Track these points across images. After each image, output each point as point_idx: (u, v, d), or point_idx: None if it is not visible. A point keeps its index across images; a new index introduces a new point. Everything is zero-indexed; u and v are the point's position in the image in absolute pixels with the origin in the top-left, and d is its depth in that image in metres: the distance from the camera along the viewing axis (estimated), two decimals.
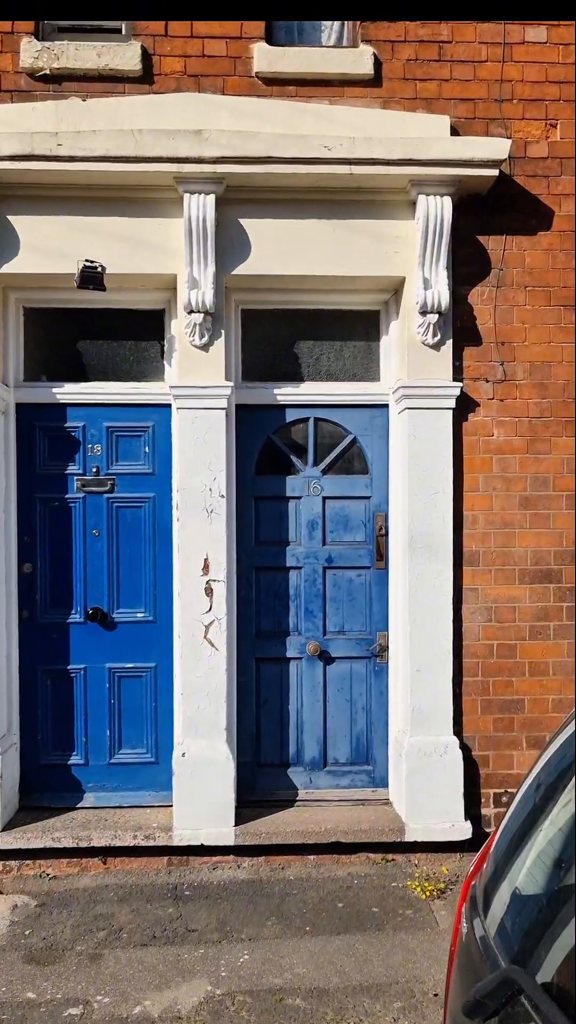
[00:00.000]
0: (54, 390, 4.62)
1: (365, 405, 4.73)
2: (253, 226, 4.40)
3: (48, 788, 4.64)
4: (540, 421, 4.54)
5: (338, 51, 4.49)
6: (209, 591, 4.40)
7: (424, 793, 4.38)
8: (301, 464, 4.74)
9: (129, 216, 4.37)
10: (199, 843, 4.34)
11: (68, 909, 4.08)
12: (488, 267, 4.53)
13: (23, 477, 4.62)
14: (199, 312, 4.32)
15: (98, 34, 4.51)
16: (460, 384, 4.45)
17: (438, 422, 4.45)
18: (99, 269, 4.29)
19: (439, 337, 4.43)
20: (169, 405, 4.57)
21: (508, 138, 4.44)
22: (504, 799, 4.54)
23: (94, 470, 4.66)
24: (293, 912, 4.02)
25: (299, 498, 4.72)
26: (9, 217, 4.33)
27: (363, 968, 3.56)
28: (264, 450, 4.73)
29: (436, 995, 3.38)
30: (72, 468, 4.66)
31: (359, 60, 4.45)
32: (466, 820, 4.41)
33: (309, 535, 4.72)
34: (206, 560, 4.39)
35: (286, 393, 4.68)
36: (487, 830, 4.53)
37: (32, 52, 4.36)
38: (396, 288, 4.59)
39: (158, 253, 4.39)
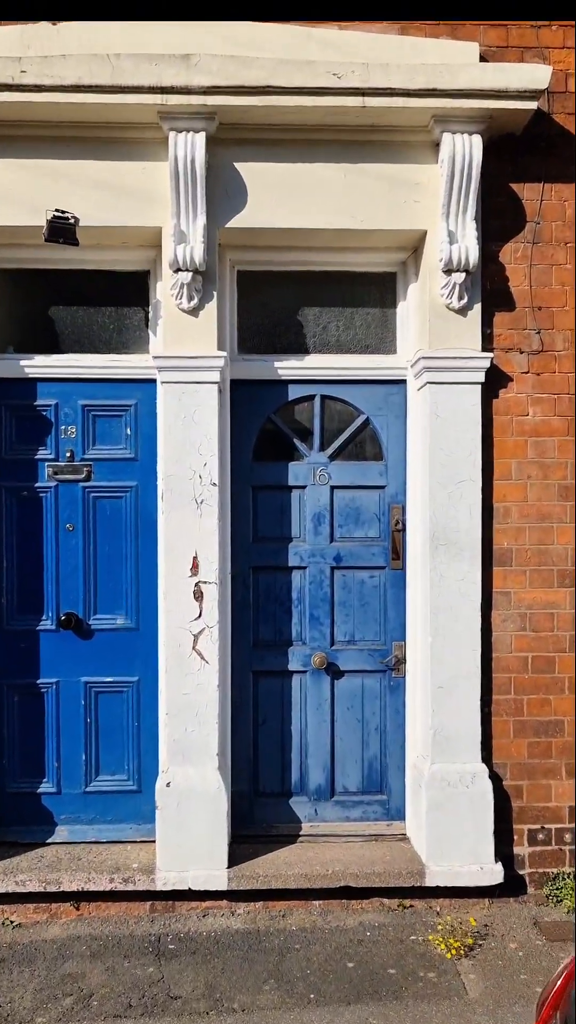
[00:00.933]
0: (22, 363, 4.02)
1: (379, 381, 4.11)
2: (250, 171, 3.78)
3: (15, 820, 4.04)
4: None
5: None
6: (199, 594, 3.79)
7: (448, 829, 3.77)
8: (306, 449, 4.12)
9: (107, 160, 3.77)
10: (186, 887, 3.73)
11: (32, 967, 3.47)
12: (523, 220, 3.91)
13: None
14: (187, 270, 3.71)
15: None
16: (490, 355, 3.83)
17: (464, 399, 3.83)
18: (71, 220, 3.69)
19: (466, 300, 3.80)
20: (154, 380, 3.96)
21: (548, 66, 3.81)
22: (540, 837, 3.92)
23: (68, 455, 4.05)
24: (295, 973, 3.40)
25: (303, 488, 4.11)
26: None
27: None
28: (263, 432, 4.11)
29: None
30: (43, 453, 4.06)
31: None
32: (496, 862, 3.79)
33: (315, 530, 4.11)
34: (195, 558, 3.78)
35: (289, 367, 4.07)
36: (520, 873, 3.91)
37: None
38: (416, 245, 3.97)
39: (141, 203, 3.78)
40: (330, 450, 4.12)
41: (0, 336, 4.10)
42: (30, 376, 4.02)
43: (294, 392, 4.10)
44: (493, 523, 3.91)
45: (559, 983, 1.54)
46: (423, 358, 3.82)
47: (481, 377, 3.82)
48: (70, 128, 3.71)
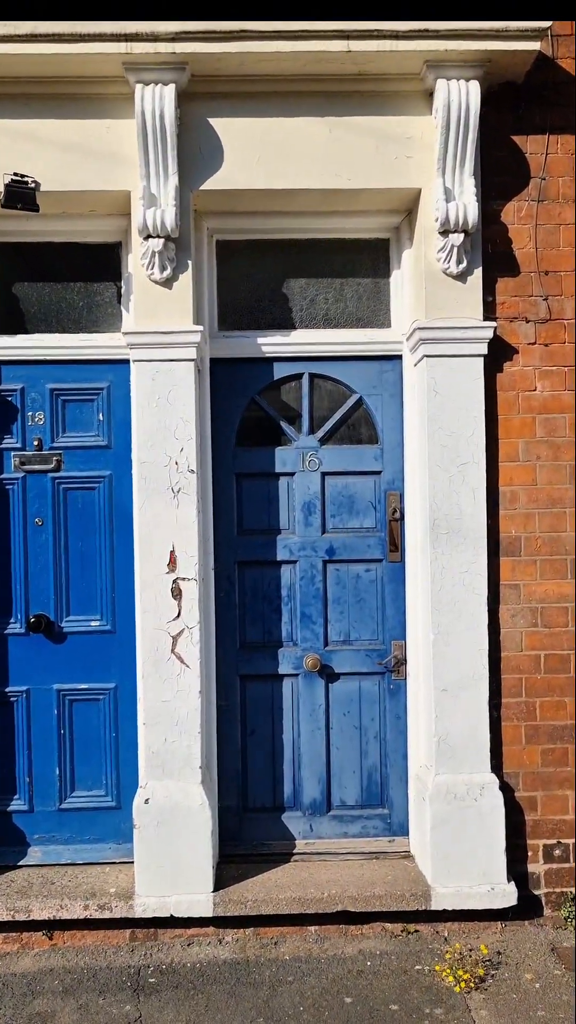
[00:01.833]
0: None
1: (373, 356, 3.77)
2: (226, 127, 3.45)
3: None
4: None
5: None
6: (177, 592, 3.46)
7: (455, 847, 3.42)
8: (294, 432, 3.79)
9: (70, 119, 3.45)
10: (168, 914, 3.40)
11: None
12: (527, 176, 3.56)
13: None
14: (158, 236, 3.38)
15: None
16: (493, 324, 3.48)
17: (466, 373, 3.49)
18: (30, 184, 3.37)
19: (465, 264, 3.46)
20: (127, 361, 3.63)
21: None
22: (557, 852, 3.57)
23: (36, 443, 3.73)
24: (287, 1010, 3.06)
25: (292, 475, 3.78)
26: None
27: None
28: (247, 415, 3.78)
29: None
30: (8, 441, 3.74)
31: None
32: (509, 882, 3.44)
33: (305, 521, 3.77)
34: (172, 553, 3.45)
35: (273, 344, 3.73)
36: (535, 893, 3.56)
37: None
38: (410, 206, 3.63)
39: (108, 164, 3.46)
40: (320, 433, 3.78)
41: None
42: None
43: (280, 371, 3.77)
44: (499, 509, 3.56)
45: None
46: (419, 328, 3.47)
47: (483, 349, 3.48)
48: (29, 84, 3.40)
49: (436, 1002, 3.09)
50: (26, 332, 3.77)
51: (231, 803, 3.75)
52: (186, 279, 3.46)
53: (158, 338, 3.43)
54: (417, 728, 3.69)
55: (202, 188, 3.46)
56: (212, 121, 3.45)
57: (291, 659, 3.77)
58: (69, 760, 3.74)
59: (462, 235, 3.41)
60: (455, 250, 3.43)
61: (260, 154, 3.46)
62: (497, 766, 3.54)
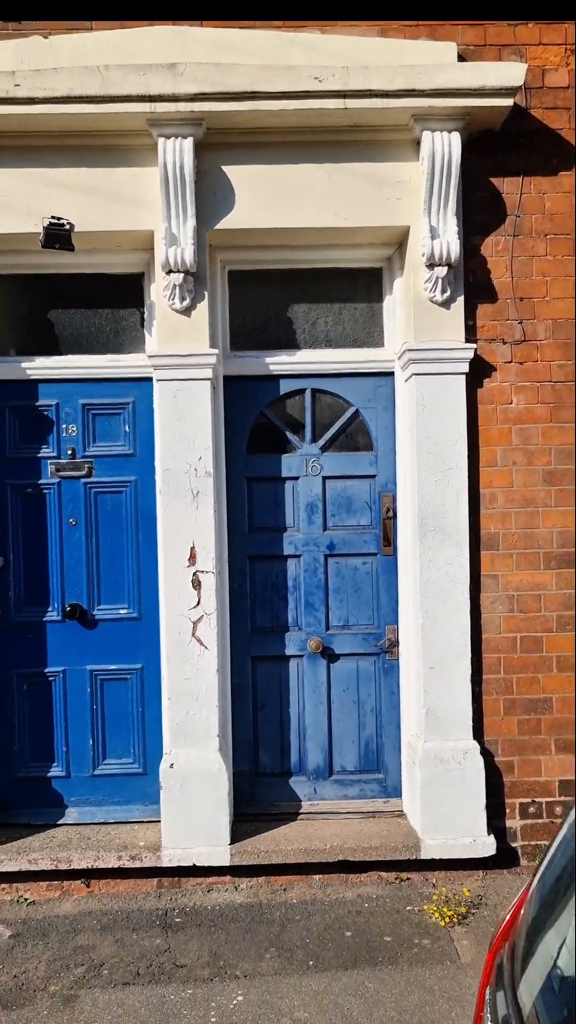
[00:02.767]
0: (23, 365, 4.18)
1: (368, 373, 4.24)
2: (238, 173, 3.92)
3: (26, 803, 4.22)
4: (564, 385, 4.04)
5: None
6: (197, 583, 3.94)
7: (441, 804, 3.91)
8: (298, 441, 4.27)
9: (100, 167, 3.91)
10: (191, 863, 3.90)
11: (45, 940, 3.65)
12: (503, 213, 4.02)
13: None
14: (178, 272, 3.85)
15: None
16: (474, 345, 3.95)
17: (449, 389, 3.96)
18: (66, 226, 3.84)
19: (448, 293, 3.93)
20: (150, 379, 4.11)
21: (523, 63, 3.92)
22: (531, 810, 4.06)
23: (69, 453, 4.21)
24: (295, 942, 3.56)
25: (296, 479, 4.25)
26: None
27: (373, 1012, 3.10)
28: (256, 426, 4.26)
29: None
30: (45, 451, 4.22)
31: None
32: (489, 834, 3.94)
33: (308, 519, 4.25)
34: (192, 549, 3.94)
35: (279, 362, 4.21)
36: (513, 845, 4.05)
37: None
38: (400, 240, 4.09)
39: (133, 207, 3.92)
40: (321, 442, 4.26)
41: (1, 339, 4.26)
42: (31, 377, 4.18)
43: (285, 386, 4.24)
44: (480, 508, 4.04)
45: (508, 916, 1.68)
46: (408, 350, 3.95)
47: (465, 367, 3.95)
48: (64, 137, 3.86)
49: (424, 934, 3.59)
50: (60, 354, 4.24)
51: (245, 768, 4.24)
52: (203, 308, 3.94)
53: (178, 360, 3.90)
54: (408, 702, 4.17)
55: (217, 227, 3.93)
56: (225, 168, 3.91)
57: (296, 642, 4.25)
58: (101, 732, 4.23)
59: (446, 268, 3.88)
60: (440, 281, 3.89)
61: (268, 197, 3.92)
62: (479, 734, 4.03)
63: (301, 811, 4.23)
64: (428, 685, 3.97)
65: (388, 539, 4.24)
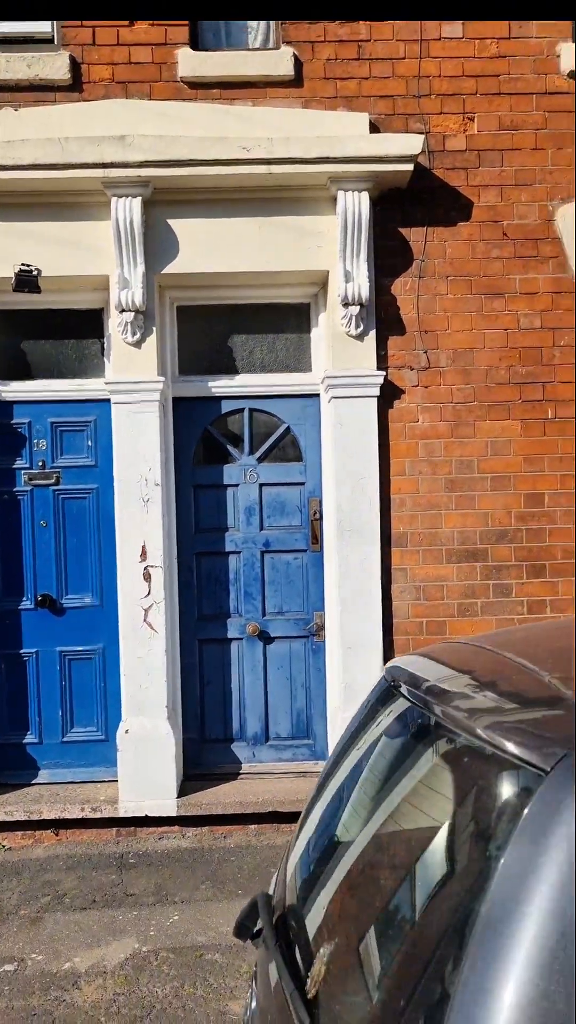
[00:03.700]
0: (0, 389, 4.84)
1: (298, 395, 4.91)
2: (181, 226, 4.58)
3: (4, 767, 4.90)
4: (464, 406, 4.71)
5: (259, 53, 4.65)
6: (147, 576, 4.62)
7: None
8: (238, 453, 4.94)
9: (63, 220, 4.57)
10: (143, 814, 4.59)
11: (19, 877, 4.34)
12: (410, 258, 4.69)
13: None
14: (130, 311, 4.52)
15: (29, 44, 4.68)
16: (384, 373, 4.63)
17: (363, 410, 4.63)
18: (34, 272, 4.50)
19: (362, 328, 4.60)
20: (109, 400, 4.77)
21: (426, 132, 4.60)
22: None
23: (40, 464, 4.88)
24: (228, 877, 4.26)
25: (237, 486, 4.93)
26: None
27: None
28: (202, 440, 4.93)
29: None
30: (20, 463, 4.89)
31: (279, 61, 4.60)
32: None
33: (247, 521, 4.93)
34: (143, 547, 4.61)
35: (221, 385, 4.88)
36: None
37: None
38: (323, 282, 4.76)
39: (91, 255, 4.58)
40: (258, 453, 4.93)
41: None
42: (7, 399, 4.85)
43: (227, 406, 4.91)
44: (391, 511, 4.72)
45: None
46: (328, 377, 4.62)
47: (376, 392, 4.62)
48: (32, 196, 4.52)
49: None
50: (32, 379, 4.91)
51: (193, 736, 4.93)
52: (151, 340, 4.60)
53: (130, 386, 4.57)
54: (332, 678, 4.86)
55: (163, 272, 4.59)
56: (171, 221, 4.58)
57: (237, 627, 4.94)
58: (69, 704, 4.91)
59: (358, 307, 4.55)
60: (354, 317, 4.56)
61: (208, 245, 4.59)
62: None
63: (241, 772, 4.92)
64: (346, 663, 4.65)
65: (316, 537, 4.92)
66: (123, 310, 4.53)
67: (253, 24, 4.84)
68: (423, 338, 4.70)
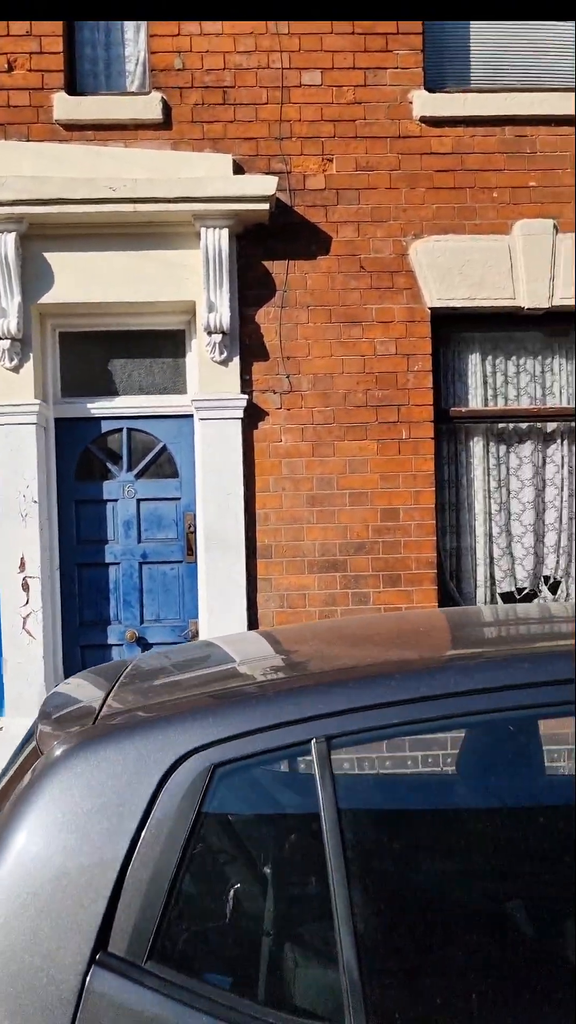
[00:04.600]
0: None
1: (174, 416, 5.24)
2: (58, 258, 4.90)
3: None
4: (324, 427, 5.05)
5: (130, 98, 4.99)
6: (26, 586, 4.93)
7: None
8: (117, 470, 5.26)
9: None
10: None
11: None
12: (273, 289, 5.03)
13: None
14: (6, 338, 4.83)
15: None
16: (247, 396, 4.96)
17: (228, 431, 4.97)
18: None
19: (226, 354, 4.94)
20: None
21: (287, 173, 4.96)
22: None
23: None
24: None
25: (116, 500, 5.25)
26: None
27: None
28: (83, 458, 5.25)
29: None
30: None
31: (149, 105, 4.94)
32: None
33: (126, 534, 5.25)
34: (22, 559, 4.93)
35: (101, 407, 5.20)
36: None
37: None
38: (192, 310, 5.09)
39: None
40: (136, 470, 5.26)
41: None
42: None
43: (107, 426, 5.24)
44: (256, 526, 5.05)
45: None
46: (196, 400, 4.96)
47: (240, 413, 4.96)
48: None
49: None
50: None
51: None
52: (29, 366, 4.92)
53: (10, 409, 4.89)
54: None
55: (40, 302, 4.92)
56: (47, 255, 4.90)
57: (117, 633, 5.26)
58: None
59: (221, 335, 4.89)
60: (218, 345, 4.90)
61: (83, 277, 4.91)
62: None
63: None
64: None
65: (191, 549, 5.25)
66: (1, 338, 4.84)
67: (131, 67, 5.18)
68: (285, 364, 5.04)
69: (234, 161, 4.95)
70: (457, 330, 5.26)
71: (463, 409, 5.27)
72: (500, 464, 5.38)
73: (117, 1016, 1.20)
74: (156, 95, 4.96)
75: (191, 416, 5.24)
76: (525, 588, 5.42)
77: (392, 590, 5.09)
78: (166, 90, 4.98)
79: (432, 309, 5.06)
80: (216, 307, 4.87)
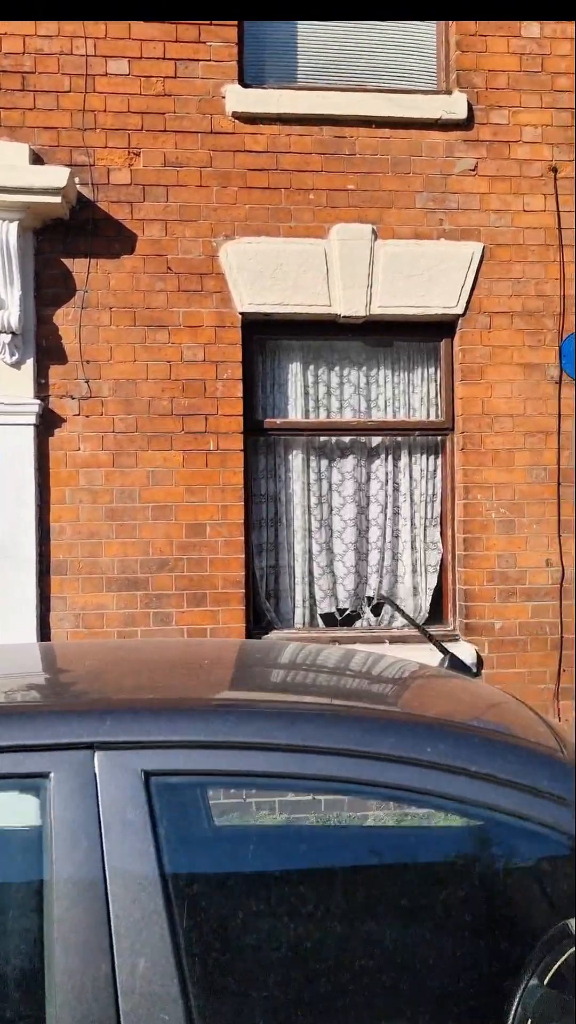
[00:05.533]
0: None
1: None
2: None
3: None
4: (126, 436, 4.75)
5: None
6: None
7: None
8: None
9: None
10: None
11: None
12: (73, 289, 4.73)
13: None
14: None
15: None
16: (41, 401, 4.65)
17: (20, 437, 4.64)
18: None
19: (18, 356, 4.61)
20: None
21: (90, 165, 4.67)
22: None
23: None
24: None
25: None
26: None
27: None
28: None
29: None
30: None
31: None
32: None
33: None
34: None
35: None
36: None
37: None
38: None
39: None
40: None
41: None
42: None
43: None
44: (51, 539, 4.72)
45: None
46: None
47: (33, 419, 4.64)
48: None
49: None
50: None
51: None
52: None
53: None
54: None
55: None
56: None
57: None
58: None
59: (11, 335, 4.56)
60: (7, 346, 4.58)
61: None
62: None
63: None
64: None
65: None
66: None
67: None
68: (85, 368, 4.74)
69: (33, 151, 4.65)
70: (274, 337, 5.01)
71: (278, 420, 5.02)
72: (321, 479, 5.13)
73: None
74: None
75: None
76: (347, 609, 5.17)
77: (197, 610, 4.79)
78: None
79: (243, 314, 4.80)
80: (7, 305, 4.55)
